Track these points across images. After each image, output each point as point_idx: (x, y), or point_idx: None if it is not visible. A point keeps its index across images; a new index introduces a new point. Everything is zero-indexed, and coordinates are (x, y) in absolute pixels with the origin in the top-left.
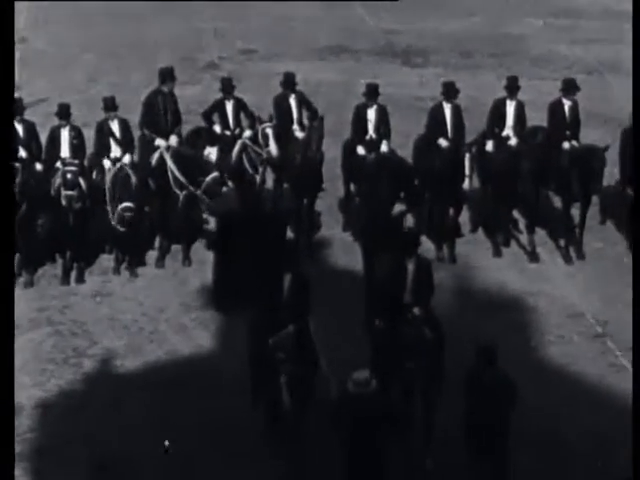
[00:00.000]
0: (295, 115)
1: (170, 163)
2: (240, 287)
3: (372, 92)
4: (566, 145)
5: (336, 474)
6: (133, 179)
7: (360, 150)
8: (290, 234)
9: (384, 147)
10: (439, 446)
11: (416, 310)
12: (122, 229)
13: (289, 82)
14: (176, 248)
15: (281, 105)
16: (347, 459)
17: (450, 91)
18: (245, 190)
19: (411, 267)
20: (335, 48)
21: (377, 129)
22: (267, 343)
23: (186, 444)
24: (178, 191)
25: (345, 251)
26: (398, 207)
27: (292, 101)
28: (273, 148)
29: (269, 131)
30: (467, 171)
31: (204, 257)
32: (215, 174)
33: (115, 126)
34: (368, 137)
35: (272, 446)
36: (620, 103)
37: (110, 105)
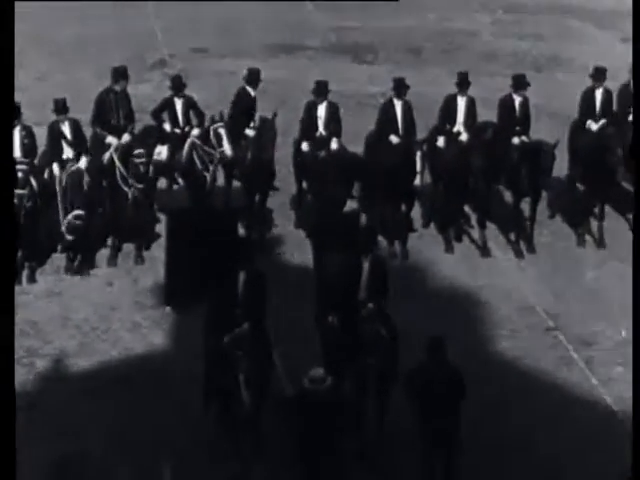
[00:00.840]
0: (255, 110)
1: (117, 161)
2: (193, 285)
3: (321, 89)
4: (516, 140)
5: (291, 469)
6: (86, 180)
7: (305, 147)
8: (242, 231)
9: (334, 144)
10: (392, 440)
11: (370, 306)
12: (71, 237)
13: (252, 78)
14: (129, 247)
15: (243, 102)
16: (302, 455)
17: (400, 87)
18: (196, 188)
19: (365, 264)
20: (286, 46)
21: (327, 126)
22: (223, 340)
23: (138, 442)
24: (127, 189)
25: (297, 248)
26: (350, 204)
27: (252, 95)
28: (227, 148)
29: (222, 131)
30: (418, 167)
31: (157, 255)
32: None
33: (66, 128)
34: (318, 134)
35: (226, 444)
36: (569, 99)
37: (61, 107)
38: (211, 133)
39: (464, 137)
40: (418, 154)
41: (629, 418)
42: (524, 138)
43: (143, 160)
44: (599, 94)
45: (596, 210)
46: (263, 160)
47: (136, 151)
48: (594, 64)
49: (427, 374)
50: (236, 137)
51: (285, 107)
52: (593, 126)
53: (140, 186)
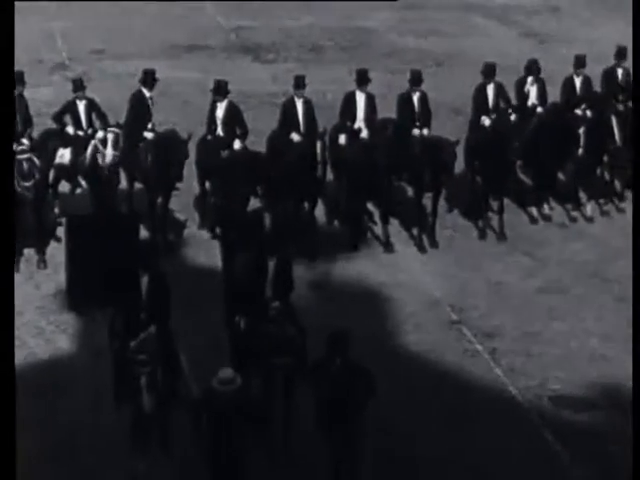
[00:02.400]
0: (150, 112)
1: (16, 165)
2: (96, 289)
3: (221, 89)
4: (416, 136)
5: (200, 471)
6: None
7: (209, 147)
8: (145, 234)
9: (237, 144)
10: (300, 441)
11: (276, 306)
12: None
13: (148, 80)
14: (31, 251)
15: (137, 103)
16: (210, 456)
17: (301, 85)
18: (100, 191)
19: (271, 263)
20: (186, 46)
21: (226, 126)
22: (128, 345)
23: (46, 448)
24: (27, 193)
25: (202, 249)
26: (255, 203)
27: (147, 96)
28: (109, 154)
29: (109, 135)
30: (319, 159)
31: (59, 260)
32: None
33: None
34: (217, 134)
35: (135, 448)
36: (468, 94)
37: None
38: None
39: (365, 134)
40: (319, 149)
41: (534, 408)
42: (425, 133)
43: (26, 157)
44: (491, 89)
45: (495, 204)
46: (165, 162)
47: (18, 147)
48: (490, 59)
49: (330, 369)
50: (134, 140)
51: (188, 107)
52: (486, 121)
53: (26, 184)
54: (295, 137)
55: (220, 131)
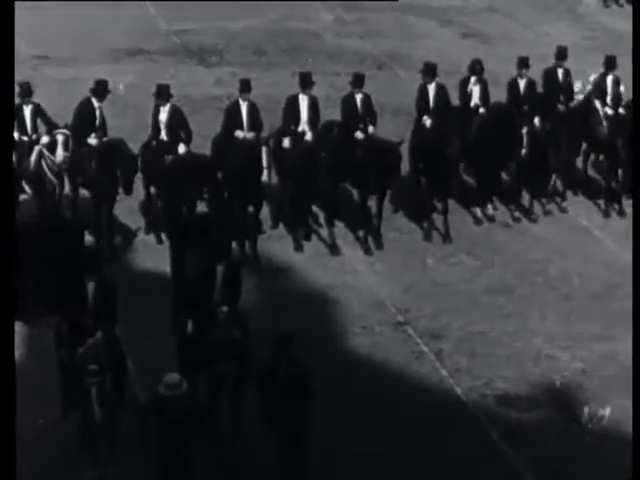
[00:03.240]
0: (98, 121)
1: None
2: (41, 297)
3: (163, 93)
4: (360, 138)
5: (147, 475)
6: None
7: (154, 152)
8: (91, 240)
9: (181, 148)
10: (248, 443)
11: (224, 310)
12: None
13: (99, 90)
14: None
15: (84, 111)
16: (158, 462)
17: (246, 89)
18: (44, 197)
19: (220, 267)
20: (129, 50)
21: (170, 130)
22: (75, 352)
23: None
24: None
25: (148, 254)
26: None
27: (97, 111)
28: (59, 155)
29: (59, 138)
30: (265, 164)
31: None
32: None
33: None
34: (161, 138)
35: (84, 456)
36: (411, 96)
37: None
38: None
39: (309, 136)
40: (264, 152)
41: (480, 407)
42: (371, 129)
43: None
44: (432, 89)
45: (440, 205)
46: (109, 167)
47: None
48: (430, 60)
49: (275, 371)
50: (79, 146)
51: (133, 111)
52: (427, 122)
53: None
54: (239, 134)
55: (164, 135)
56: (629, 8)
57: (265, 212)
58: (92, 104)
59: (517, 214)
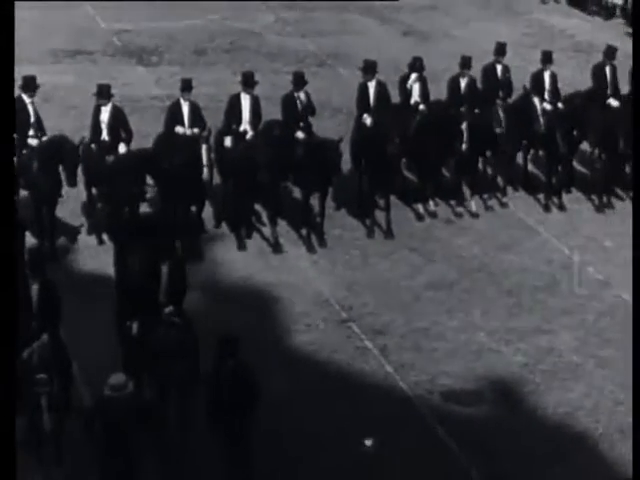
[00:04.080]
0: (32, 117)
1: None
2: None
3: (103, 92)
4: (300, 135)
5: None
6: None
7: (95, 152)
8: (33, 241)
9: (122, 148)
10: (194, 443)
11: (169, 310)
12: None
13: (28, 86)
14: None
15: (19, 111)
16: (104, 464)
17: (187, 88)
18: None
19: (164, 267)
20: (69, 51)
21: (111, 130)
22: (20, 355)
23: None
24: None
25: (91, 255)
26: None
27: (30, 107)
28: None
29: None
30: (205, 162)
31: None
32: None
33: None
34: (102, 138)
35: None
36: (351, 94)
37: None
38: None
39: (250, 136)
40: (204, 149)
41: (424, 402)
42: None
43: None
44: (372, 87)
45: (382, 201)
46: (49, 169)
47: None
48: (369, 58)
49: (220, 372)
50: (19, 147)
51: (74, 112)
52: (367, 120)
53: None
54: (180, 129)
55: (105, 135)
56: (565, 4)
57: (208, 211)
58: (23, 101)
59: (459, 210)
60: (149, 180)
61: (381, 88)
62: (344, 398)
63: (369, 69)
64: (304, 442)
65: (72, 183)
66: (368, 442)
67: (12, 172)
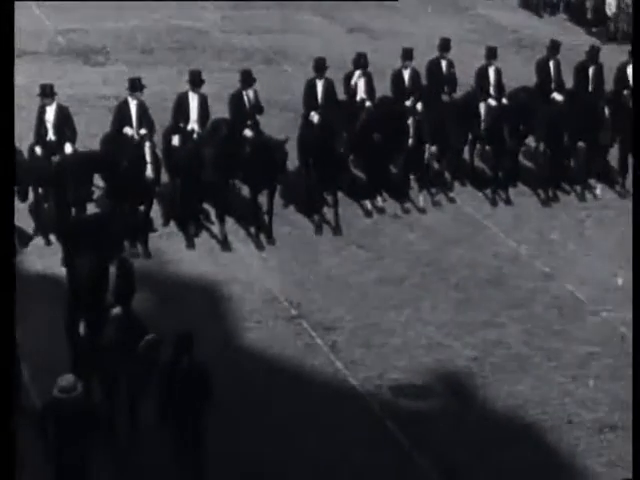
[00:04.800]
0: None
1: None
2: None
3: (46, 92)
4: (248, 133)
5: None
6: None
7: (37, 152)
8: None
9: (68, 148)
10: (145, 443)
11: (118, 310)
12: None
13: None
14: None
15: None
16: (55, 465)
17: (136, 88)
18: None
19: (112, 268)
20: (15, 51)
21: (57, 130)
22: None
23: None
24: None
25: (39, 256)
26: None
27: None
28: None
29: None
30: (148, 159)
31: None
32: None
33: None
34: (48, 139)
35: None
36: (298, 91)
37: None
38: None
39: (198, 134)
40: (147, 147)
41: (375, 398)
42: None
43: None
44: (320, 85)
45: (330, 198)
46: None
47: None
48: (317, 55)
49: (174, 373)
50: None
51: (24, 114)
52: (315, 117)
53: None
54: (128, 131)
55: (51, 135)
56: (511, 1)
57: (156, 210)
58: None
59: (406, 206)
60: (96, 180)
61: (329, 85)
62: (294, 395)
63: (320, 67)
64: (253, 439)
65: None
66: None
67: (12, 171)
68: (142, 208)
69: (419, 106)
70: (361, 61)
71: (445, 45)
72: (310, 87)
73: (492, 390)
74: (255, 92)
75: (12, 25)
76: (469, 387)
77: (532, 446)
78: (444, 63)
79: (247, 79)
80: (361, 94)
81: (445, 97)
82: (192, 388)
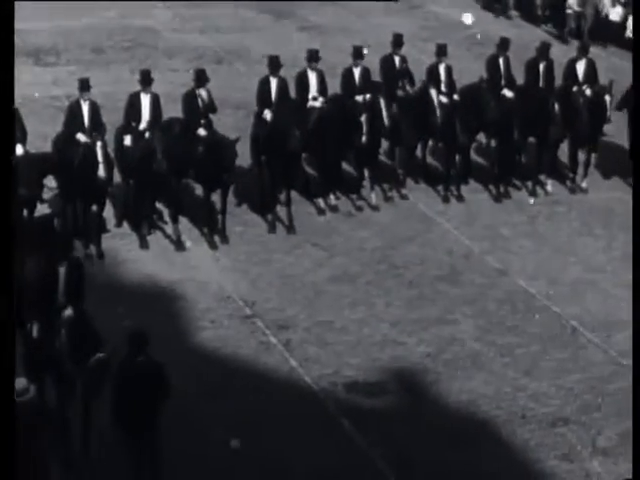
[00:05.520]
0: None
1: None
2: None
3: None
4: (202, 132)
5: None
6: None
7: None
8: None
9: (19, 149)
10: (101, 444)
11: (69, 312)
12: None
13: None
14: None
15: None
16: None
17: (86, 88)
18: None
19: (62, 268)
20: None
21: None
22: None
23: None
24: None
25: None
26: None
27: None
28: None
29: None
30: (100, 159)
31: None
32: None
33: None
34: None
35: None
36: (250, 90)
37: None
38: None
39: (150, 134)
40: (99, 147)
41: (329, 395)
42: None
43: None
44: (273, 82)
45: (283, 197)
46: None
47: None
48: (269, 54)
49: (129, 371)
50: None
51: None
52: (268, 115)
53: None
54: (81, 137)
55: None
56: None
57: (109, 210)
58: None
59: (359, 203)
60: (47, 180)
61: (282, 84)
62: (249, 393)
63: (274, 65)
64: (207, 438)
65: None
66: (234, 443)
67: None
68: (95, 208)
69: (372, 102)
70: (312, 58)
71: (398, 41)
72: (264, 85)
73: (446, 386)
74: (208, 91)
75: (12, 25)
76: (423, 384)
77: (486, 441)
78: (397, 59)
79: (201, 78)
80: (313, 92)
81: (400, 93)
82: (148, 387)
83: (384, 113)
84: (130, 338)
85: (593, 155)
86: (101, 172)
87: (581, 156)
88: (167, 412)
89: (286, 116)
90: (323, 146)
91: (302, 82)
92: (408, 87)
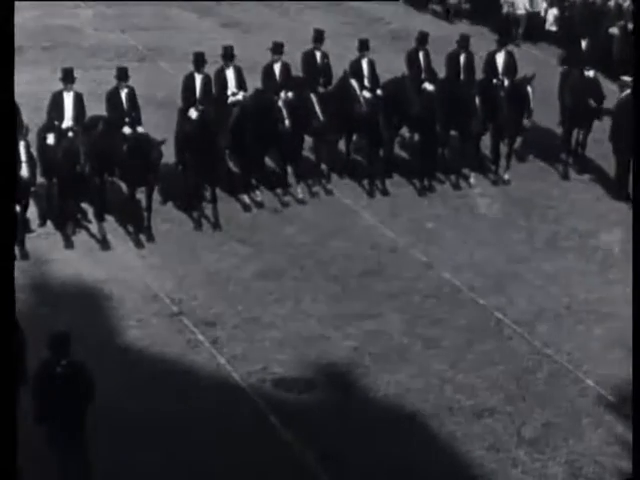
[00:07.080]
0: None
1: None
2: None
3: None
4: (127, 130)
5: None
6: None
7: None
8: None
9: None
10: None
11: None
12: None
13: None
14: None
15: None
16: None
17: None
18: None
19: None
20: None
21: None
22: None
23: None
24: None
25: None
26: None
27: None
28: None
29: None
30: (23, 158)
31: None
32: None
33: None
34: None
35: None
36: (174, 87)
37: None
38: None
39: (73, 132)
40: (22, 150)
41: (257, 392)
42: (140, 129)
43: None
44: (199, 80)
45: (208, 194)
46: None
47: None
48: (194, 51)
49: (52, 372)
50: None
51: None
52: (193, 114)
53: None
54: None
55: None
56: None
57: (32, 210)
58: None
59: (285, 199)
60: None
61: (207, 81)
62: (177, 392)
63: (199, 62)
64: (138, 438)
65: None
66: None
67: (13, 171)
68: (18, 208)
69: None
70: (227, 54)
71: (319, 36)
72: (188, 82)
73: (373, 380)
74: (132, 89)
75: (12, 25)
76: (351, 378)
77: (414, 434)
78: (318, 55)
79: (122, 76)
80: (232, 88)
81: (320, 89)
82: (72, 389)
83: (317, 108)
84: (52, 339)
85: (514, 147)
86: (24, 172)
87: (503, 148)
88: (93, 413)
89: (213, 113)
90: (245, 142)
91: (220, 79)
92: (321, 84)
